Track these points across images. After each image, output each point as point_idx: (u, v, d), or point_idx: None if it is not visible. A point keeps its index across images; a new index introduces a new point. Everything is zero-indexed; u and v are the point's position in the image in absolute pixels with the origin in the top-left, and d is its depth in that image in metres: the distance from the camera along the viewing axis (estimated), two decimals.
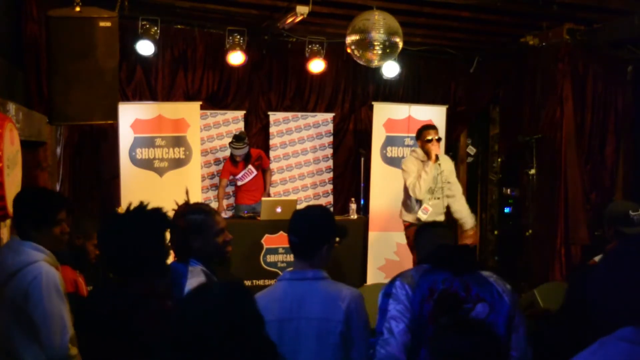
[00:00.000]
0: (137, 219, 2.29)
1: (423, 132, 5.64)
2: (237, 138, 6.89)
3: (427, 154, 5.53)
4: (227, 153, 7.28)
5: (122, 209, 2.38)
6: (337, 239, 2.62)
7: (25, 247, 2.66)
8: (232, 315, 1.61)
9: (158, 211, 2.37)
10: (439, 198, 5.62)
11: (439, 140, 5.60)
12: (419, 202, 5.62)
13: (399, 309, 2.39)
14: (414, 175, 5.53)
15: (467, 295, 2.40)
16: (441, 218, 5.65)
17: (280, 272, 6.76)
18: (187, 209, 2.78)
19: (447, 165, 5.75)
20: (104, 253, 2.33)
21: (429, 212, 5.57)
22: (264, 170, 7.23)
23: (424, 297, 2.39)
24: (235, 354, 1.57)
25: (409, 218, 5.71)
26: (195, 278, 2.67)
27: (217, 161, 7.50)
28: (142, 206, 2.35)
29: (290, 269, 2.61)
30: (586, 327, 2.35)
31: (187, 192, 2.93)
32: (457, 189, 5.79)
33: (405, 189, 5.69)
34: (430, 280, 2.41)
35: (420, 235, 2.76)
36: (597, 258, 3.45)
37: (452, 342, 2.00)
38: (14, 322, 2.61)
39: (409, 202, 5.71)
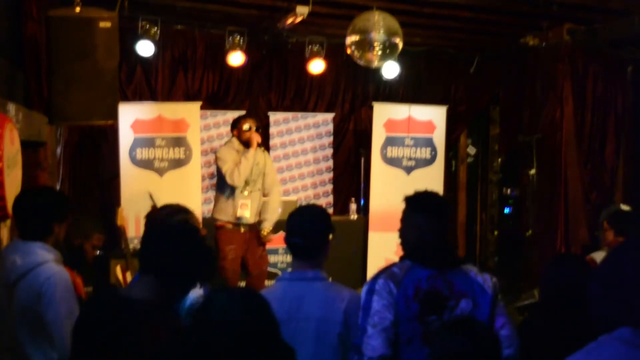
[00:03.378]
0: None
1: (240, 122, 5.51)
2: None
3: (246, 142, 5.38)
4: None
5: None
6: (331, 237, 2.62)
7: (34, 248, 2.65)
8: (253, 322, 1.61)
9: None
10: (254, 191, 5.46)
11: (258, 129, 5.47)
12: (233, 199, 5.40)
13: (383, 304, 2.38)
14: (230, 163, 5.32)
15: (451, 293, 2.41)
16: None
17: (280, 272, 6.76)
18: (174, 210, 2.81)
19: (266, 159, 5.59)
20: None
21: (248, 208, 5.41)
22: None
23: (409, 296, 2.40)
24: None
25: (223, 217, 5.45)
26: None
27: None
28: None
29: (289, 269, 2.60)
30: (565, 318, 2.38)
31: (151, 196, 2.97)
32: (272, 186, 5.63)
33: (219, 184, 5.50)
34: (415, 279, 2.42)
35: (406, 220, 2.61)
36: (593, 254, 3.49)
37: (452, 343, 2.00)
38: (22, 323, 2.60)
39: (223, 198, 5.46)
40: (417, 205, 2.56)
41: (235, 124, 5.59)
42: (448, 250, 2.54)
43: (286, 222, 2.60)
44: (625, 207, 3.95)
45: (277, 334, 1.67)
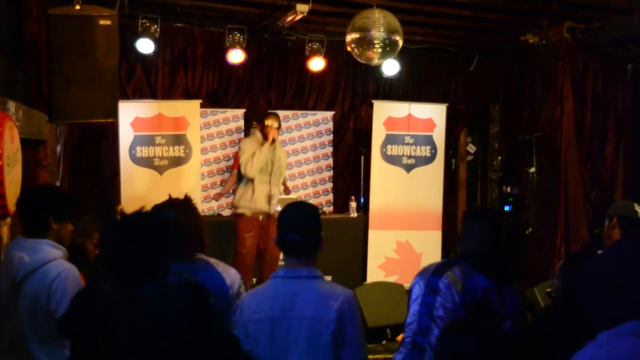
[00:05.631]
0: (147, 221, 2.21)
1: (265, 118, 5.97)
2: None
3: (265, 136, 5.80)
4: (227, 151, 7.31)
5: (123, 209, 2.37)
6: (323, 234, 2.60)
7: (42, 245, 2.64)
8: (189, 313, 1.57)
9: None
10: (267, 183, 5.84)
11: (278, 128, 5.88)
12: (253, 189, 5.75)
13: (447, 308, 2.36)
14: (247, 155, 5.75)
15: (501, 309, 2.38)
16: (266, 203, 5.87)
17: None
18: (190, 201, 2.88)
19: (284, 157, 6.07)
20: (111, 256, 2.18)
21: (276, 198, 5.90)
22: None
23: (465, 304, 2.37)
24: (194, 351, 1.54)
25: (243, 203, 5.81)
26: (228, 268, 2.77)
27: (217, 159, 7.50)
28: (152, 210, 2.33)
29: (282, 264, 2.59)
30: (580, 316, 2.37)
31: (170, 196, 3.02)
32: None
33: (240, 174, 5.87)
34: (472, 287, 2.38)
35: (469, 222, 2.63)
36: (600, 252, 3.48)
37: (457, 342, 1.98)
38: (29, 321, 2.58)
39: (244, 188, 5.84)
40: (473, 215, 2.61)
41: (262, 119, 6.05)
42: (507, 262, 2.53)
43: (279, 219, 2.54)
44: None
45: (217, 324, 1.63)
